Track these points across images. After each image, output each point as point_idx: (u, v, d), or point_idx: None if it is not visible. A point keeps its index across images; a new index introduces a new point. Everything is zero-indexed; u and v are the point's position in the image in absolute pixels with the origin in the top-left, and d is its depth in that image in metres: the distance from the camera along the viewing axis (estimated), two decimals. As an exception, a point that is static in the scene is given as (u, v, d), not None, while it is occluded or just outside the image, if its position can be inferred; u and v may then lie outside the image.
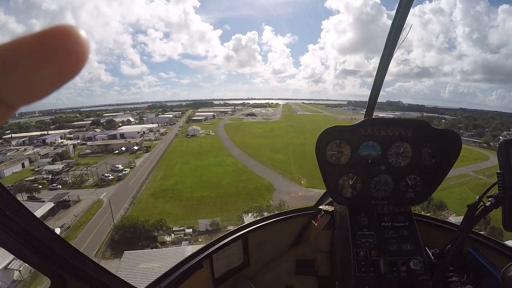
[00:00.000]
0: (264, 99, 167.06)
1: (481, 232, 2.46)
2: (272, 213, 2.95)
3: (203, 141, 59.30)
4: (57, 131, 68.93)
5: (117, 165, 42.27)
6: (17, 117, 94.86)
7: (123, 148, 51.65)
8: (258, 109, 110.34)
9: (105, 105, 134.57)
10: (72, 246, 1.33)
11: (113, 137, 60.34)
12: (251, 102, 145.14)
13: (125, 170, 40.84)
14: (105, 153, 51.66)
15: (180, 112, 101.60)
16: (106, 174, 38.76)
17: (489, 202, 1.70)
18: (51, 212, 29.44)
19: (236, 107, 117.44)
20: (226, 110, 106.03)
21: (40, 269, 1.23)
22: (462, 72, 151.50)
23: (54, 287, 1.30)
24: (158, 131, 69.99)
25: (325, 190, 2.65)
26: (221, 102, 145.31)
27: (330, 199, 2.57)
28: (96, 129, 71.31)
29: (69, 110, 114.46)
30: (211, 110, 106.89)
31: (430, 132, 2.12)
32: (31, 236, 1.12)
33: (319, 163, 2.15)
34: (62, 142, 59.96)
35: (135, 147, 52.11)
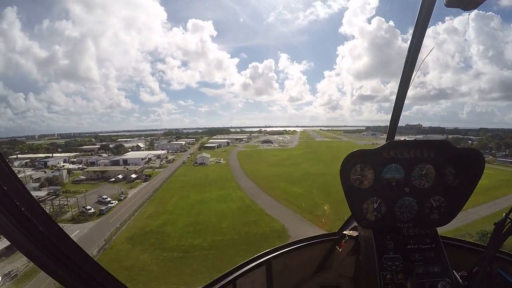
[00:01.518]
0: (282, 126, 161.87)
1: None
2: (296, 239, 2.82)
3: (211, 170, 53.21)
4: (61, 154, 65.95)
5: (104, 196, 36.27)
6: (36, 139, 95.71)
7: (120, 176, 46.11)
8: (275, 136, 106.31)
9: (123, 131, 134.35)
10: (88, 255, 1.26)
11: (116, 163, 55.81)
12: (268, 129, 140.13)
13: (112, 203, 34.58)
14: (101, 180, 46.62)
15: (194, 139, 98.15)
16: (88, 207, 32.66)
17: None
18: (7, 252, 23.19)
19: (252, 134, 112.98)
20: (241, 137, 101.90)
21: (60, 280, 1.17)
22: (479, 91, 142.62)
23: None
24: (166, 158, 65.83)
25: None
26: (238, 129, 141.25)
27: (354, 224, 2.56)
28: (103, 154, 67.91)
29: (87, 134, 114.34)
30: (226, 137, 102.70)
31: (453, 152, 2.10)
32: (57, 249, 1.10)
33: (344, 187, 2.13)
34: (63, 165, 56.28)
35: (133, 175, 46.38)
